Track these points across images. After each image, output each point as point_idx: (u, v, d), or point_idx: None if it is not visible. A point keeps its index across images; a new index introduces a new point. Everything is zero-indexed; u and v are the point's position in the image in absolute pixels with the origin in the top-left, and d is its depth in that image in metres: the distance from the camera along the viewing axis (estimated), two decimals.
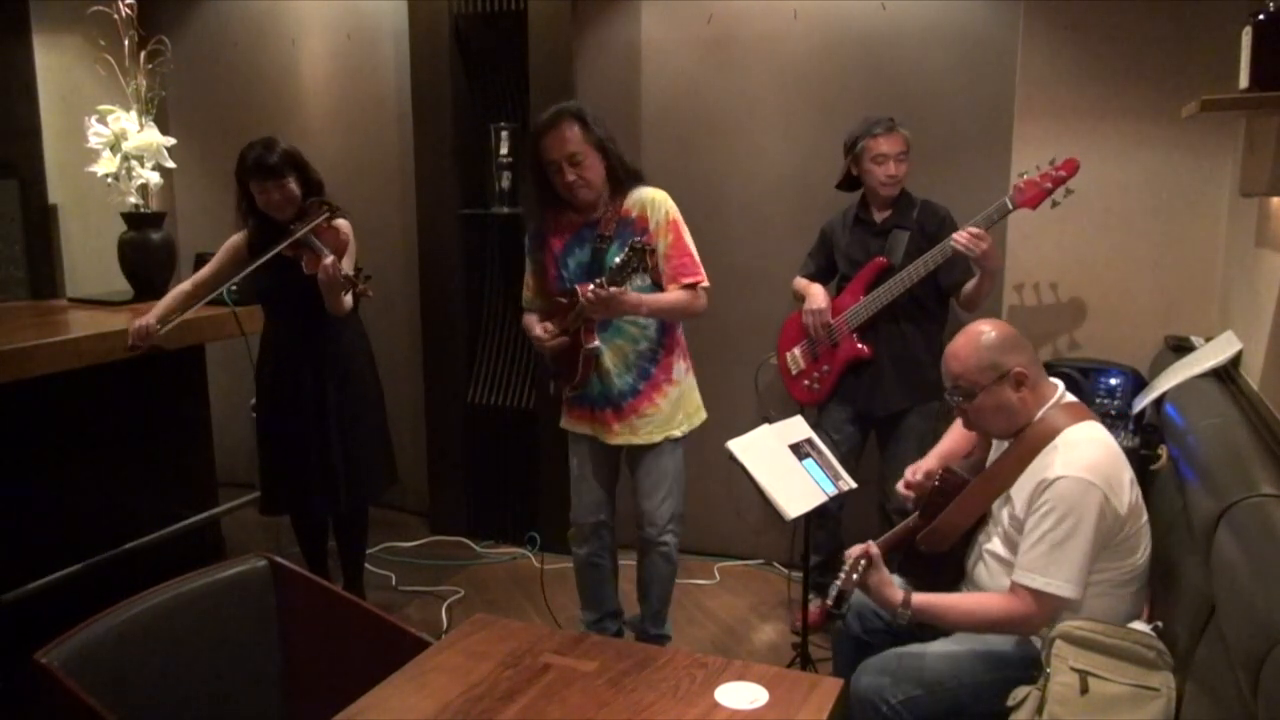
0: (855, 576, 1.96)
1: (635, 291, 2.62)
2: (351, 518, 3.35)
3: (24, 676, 1.66)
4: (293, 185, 3.01)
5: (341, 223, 3.06)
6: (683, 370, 2.84)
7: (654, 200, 2.71)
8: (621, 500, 2.97)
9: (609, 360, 2.74)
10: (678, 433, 2.81)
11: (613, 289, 2.51)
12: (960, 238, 2.82)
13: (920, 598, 2.00)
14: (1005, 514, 2.06)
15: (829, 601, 1.95)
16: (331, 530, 3.41)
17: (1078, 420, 2.01)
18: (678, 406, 2.81)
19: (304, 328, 3.10)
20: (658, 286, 2.72)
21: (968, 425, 2.17)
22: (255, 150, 2.99)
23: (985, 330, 2.07)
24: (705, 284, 2.73)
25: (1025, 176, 2.87)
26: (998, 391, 2.03)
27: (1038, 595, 1.91)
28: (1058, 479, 1.91)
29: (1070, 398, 2.09)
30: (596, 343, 2.69)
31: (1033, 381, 2.04)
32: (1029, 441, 2.03)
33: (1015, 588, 1.95)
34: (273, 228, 3.04)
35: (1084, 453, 1.94)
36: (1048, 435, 2.00)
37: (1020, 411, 2.04)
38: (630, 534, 2.95)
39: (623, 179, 2.71)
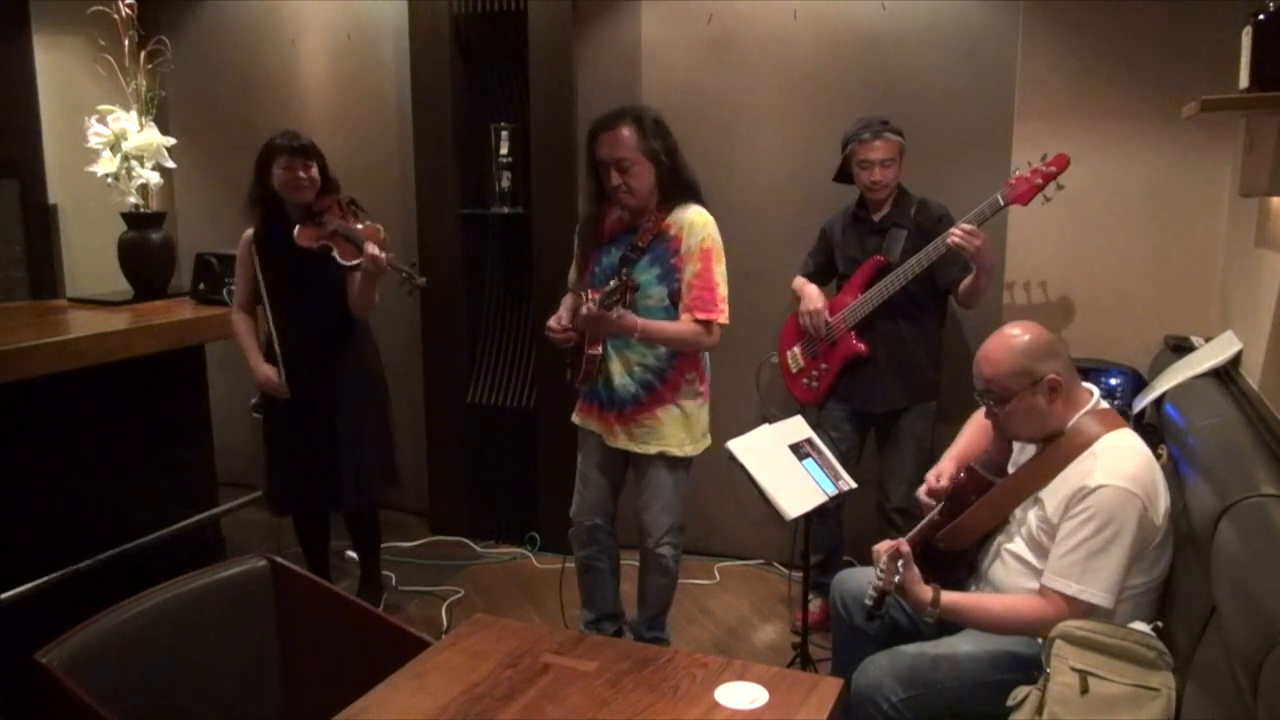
0: (896, 578, 1.93)
1: (636, 315, 2.60)
2: (361, 516, 3.39)
3: (24, 676, 1.66)
4: (315, 171, 3.06)
5: (373, 223, 3.12)
6: (692, 396, 2.77)
7: (693, 223, 2.65)
8: (626, 504, 2.97)
9: (616, 366, 2.74)
10: (677, 452, 2.76)
11: (601, 311, 2.49)
12: (954, 235, 2.83)
13: (949, 597, 1.98)
14: (1032, 516, 2.05)
15: (868, 602, 1.93)
16: (347, 531, 3.47)
17: (1112, 428, 2.00)
18: (680, 427, 2.76)
19: (315, 328, 3.11)
20: (676, 307, 2.69)
21: (997, 428, 2.14)
22: (284, 134, 3.07)
23: (1019, 334, 2.04)
24: (722, 321, 2.68)
25: (1017, 173, 2.88)
26: (1030, 398, 2.01)
27: (1071, 601, 1.90)
28: (1100, 487, 1.89)
29: (1104, 405, 2.07)
30: (598, 350, 2.69)
31: (1066, 389, 2.02)
32: (1063, 447, 2.01)
33: (1047, 592, 1.93)
34: (281, 221, 3.06)
35: (1124, 462, 1.93)
36: (1083, 442, 1.99)
37: (1052, 418, 2.02)
38: (634, 537, 2.95)
39: (673, 192, 2.67)
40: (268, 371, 3.11)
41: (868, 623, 2.17)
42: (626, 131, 2.59)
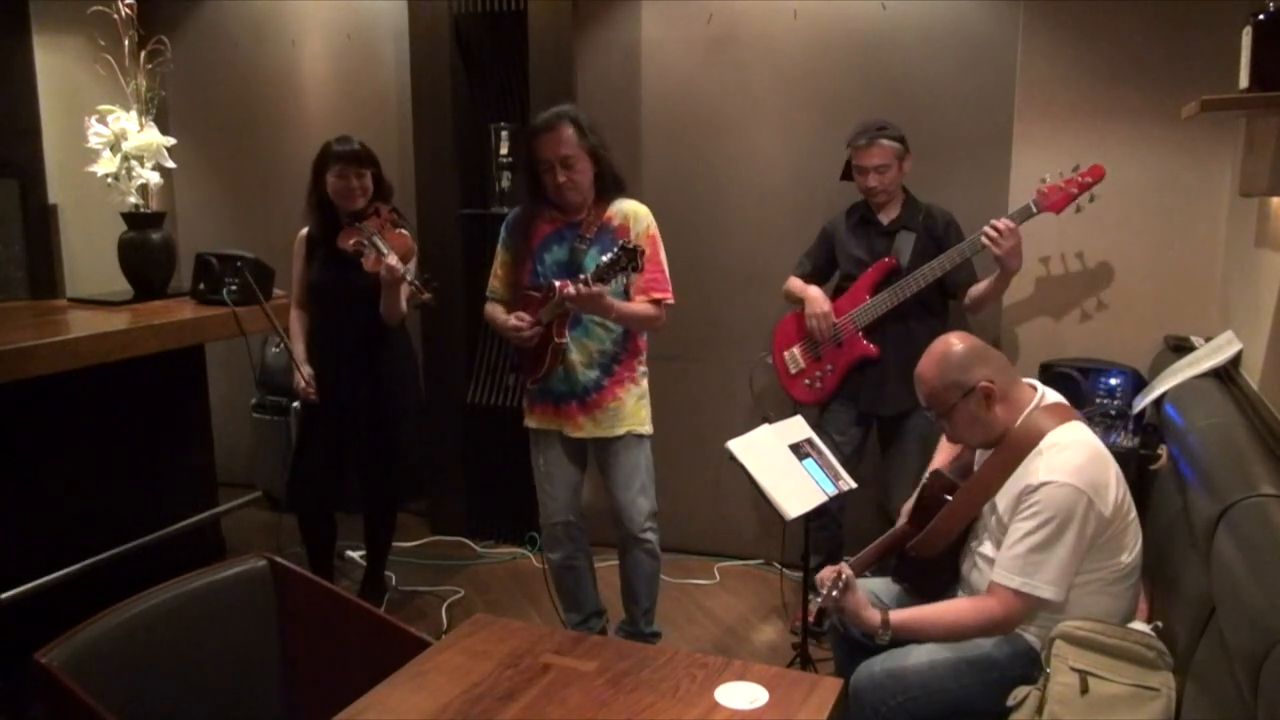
0: (835, 595, 1.99)
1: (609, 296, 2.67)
2: (379, 519, 3.44)
3: (24, 676, 1.66)
4: (368, 179, 3.11)
5: (404, 232, 3.15)
6: (642, 373, 2.89)
7: (636, 213, 2.79)
8: (594, 499, 2.97)
9: (575, 356, 2.78)
10: (642, 430, 2.85)
11: (597, 286, 2.57)
12: (988, 230, 2.82)
13: (898, 616, 2.01)
14: (994, 519, 2.06)
15: (811, 618, 1.97)
16: (364, 532, 3.50)
17: (1061, 422, 2.01)
18: (641, 404, 2.86)
19: (352, 329, 3.17)
20: (626, 296, 2.76)
21: (950, 439, 2.22)
22: (339, 140, 3.12)
23: (948, 347, 2.09)
24: (670, 301, 2.80)
25: (1049, 181, 2.88)
26: (967, 407, 2.05)
27: (1016, 594, 1.93)
28: (1042, 484, 1.92)
29: (1053, 398, 2.09)
30: (564, 339, 2.75)
31: (1003, 391, 2.05)
32: (1011, 448, 2.03)
33: (993, 587, 1.96)
34: (335, 224, 3.13)
35: (1068, 457, 1.94)
36: (1031, 440, 2.00)
37: (996, 422, 2.05)
38: (608, 532, 2.95)
39: (608, 186, 2.79)
40: (301, 375, 3.17)
41: (815, 626, 2.21)
42: (567, 131, 2.69)
